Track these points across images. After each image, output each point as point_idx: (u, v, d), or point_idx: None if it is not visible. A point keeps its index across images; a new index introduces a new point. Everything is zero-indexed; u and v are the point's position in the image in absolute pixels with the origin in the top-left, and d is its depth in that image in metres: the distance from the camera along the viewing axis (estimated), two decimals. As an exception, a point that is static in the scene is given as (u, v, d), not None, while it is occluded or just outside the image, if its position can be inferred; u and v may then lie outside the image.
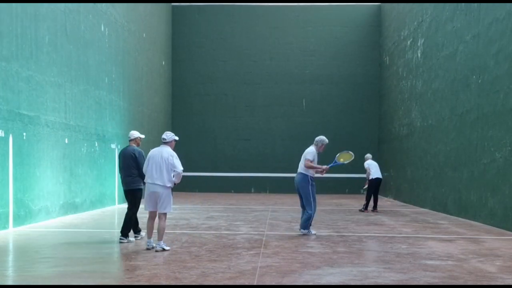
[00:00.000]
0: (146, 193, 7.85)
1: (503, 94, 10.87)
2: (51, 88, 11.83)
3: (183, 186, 23.74)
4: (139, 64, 18.81)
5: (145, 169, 7.93)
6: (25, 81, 10.67)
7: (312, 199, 9.59)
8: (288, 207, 15.71)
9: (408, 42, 18.42)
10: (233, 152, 23.89)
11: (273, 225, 11.17)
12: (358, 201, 17.85)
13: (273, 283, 5.75)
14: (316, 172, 9.78)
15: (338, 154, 10.42)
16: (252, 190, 23.53)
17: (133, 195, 8.64)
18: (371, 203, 14.72)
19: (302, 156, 9.79)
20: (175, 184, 7.93)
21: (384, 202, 18.58)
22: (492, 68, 11.43)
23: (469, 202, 12.48)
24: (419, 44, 17.15)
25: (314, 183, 9.74)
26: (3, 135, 9.75)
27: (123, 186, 8.77)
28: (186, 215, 13.05)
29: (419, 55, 17.16)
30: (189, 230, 10.14)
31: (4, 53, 9.88)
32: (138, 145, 8.89)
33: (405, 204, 17.90)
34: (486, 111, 11.67)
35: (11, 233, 9.51)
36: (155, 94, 21.20)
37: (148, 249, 7.73)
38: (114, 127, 16.03)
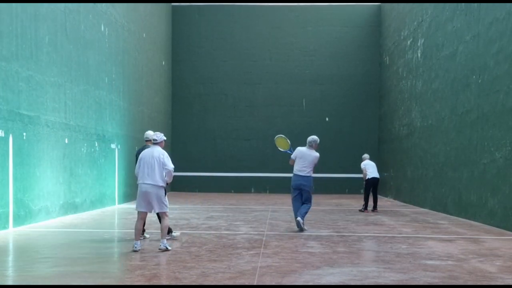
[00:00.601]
0: (138, 193, 7.94)
1: (503, 94, 10.87)
2: (51, 88, 11.83)
3: (183, 186, 23.93)
4: (139, 64, 18.82)
5: (136, 170, 8.05)
6: (25, 81, 10.67)
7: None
8: (288, 207, 15.70)
9: (408, 42, 18.42)
10: (233, 152, 23.89)
11: (273, 225, 11.17)
12: (358, 201, 17.85)
13: (273, 283, 5.75)
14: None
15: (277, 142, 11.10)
16: (252, 190, 23.54)
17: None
18: (371, 203, 14.72)
19: (309, 161, 10.10)
20: (167, 183, 7.98)
21: (384, 202, 18.58)
22: (492, 68, 11.43)
23: (469, 202, 12.48)
24: (419, 44, 17.15)
25: None
26: (3, 135, 9.75)
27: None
28: (186, 215, 13.05)
29: (419, 55, 17.16)
30: (189, 230, 10.14)
31: (4, 53, 9.88)
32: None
33: (405, 204, 17.90)
34: (486, 111, 11.67)
35: (11, 233, 9.51)
36: (155, 94, 21.21)
37: (134, 251, 7.62)
38: (114, 127, 16.03)
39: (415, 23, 17.57)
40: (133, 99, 18.02)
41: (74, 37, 13.18)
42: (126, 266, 6.78)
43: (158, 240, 8.76)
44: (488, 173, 11.48)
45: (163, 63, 22.50)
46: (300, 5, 23.92)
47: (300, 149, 10.33)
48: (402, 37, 19.40)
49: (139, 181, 7.89)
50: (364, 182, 14.92)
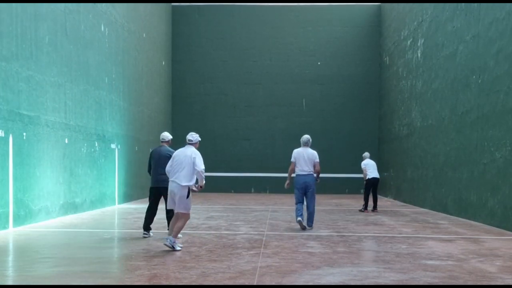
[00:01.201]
0: (169, 191, 8.03)
1: (503, 94, 10.87)
2: (51, 88, 11.83)
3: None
4: (139, 64, 18.82)
5: (167, 169, 8.02)
6: (25, 81, 10.68)
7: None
8: (288, 207, 15.71)
9: (408, 42, 18.42)
10: (233, 152, 23.89)
11: (273, 225, 11.17)
12: (358, 201, 17.86)
13: (273, 283, 5.74)
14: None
15: None
16: (252, 190, 23.53)
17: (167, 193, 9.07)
18: (370, 202, 14.72)
19: (310, 159, 10.40)
20: (201, 187, 7.95)
21: (384, 202, 18.59)
22: (492, 68, 11.43)
23: (469, 202, 12.48)
24: (419, 44, 17.15)
25: None
26: (3, 135, 9.75)
27: (156, 183, 9.21)
28: (186, 215, 13.04)
29: (419, 55, 17.16)
30: (189, 230, 10.14)
31: (4, 53, 9.88)
32: (170, 146, 9.50)
33: (405, 204, 17.91)
34: (486, 111, 11.67)
35: (11, 233, 9.51)
36: (155, 94, 21.21)
37: (165, 244, 7.74)
38: (114, 127, 16.03)
39: (415, 23, 17.57)
40: (133, 99, 18.03)
41: (74, 37, 13.18)
42: (126, 266, 6.78)
43: (159, 241, 8.76)
44: (488, 173, 11.48)
45: (163, 63, 22.50)
46: (300, 5, 23.92)
47: (296, 151, 10.61)
48: (402, 37, 19.40)
49: (170, 178, 7.95)
50: (364, 182, 14.90)
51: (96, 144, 14.56)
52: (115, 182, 16.00)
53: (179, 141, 24.01)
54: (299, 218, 10.26)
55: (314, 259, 7.20)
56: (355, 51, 23.71)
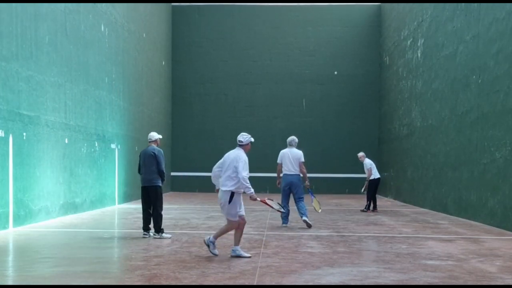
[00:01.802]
0: None
1: (503, 94, 10.87)
2: (51, 88, 11.83)
3: (183, 186, 23.92)
4: (139, 64, 18.82)
5: (215, 173, 7.49)
6: (25, 81, 10.67)
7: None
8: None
9: (408, 42, 18.42)
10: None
11: (273, 225, 11.17)
12: (358, 201, 17.86)
13: (273, 283, 5.74)
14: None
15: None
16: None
17: (156, 192, 9.17)
18: (370, 202, 14.69)
19: (295, 159, 10.82)
20: (251, 197, 7.43)
21: (384, 202, 18.58)
22: (492, 68, 11.43)
23: (469, 202, 12.48)
24: (419, 44, 17.15)
25: None
26: (3, 135, 9.75)
27: (143, 183, 9.28)
28: (186, 215, 13.05)
29: (419, 55, 17.16)
30: (189, 230, 10.14)
31: (4, 53, 9.88)
32: (158, 145, 9.53)
33: (405, 204, 17.90)
34: (486, 111, 11.67)
35: (11, 233, 9.51)
36: (155, 94, 21.21)
37: (232, 256, 7.21)
38: (114, 127, 16.03)
39: (415, 23, 17.56)
40: (133, 99, 18.03)
41: (74, 37, 13.18)
42: (126, 266, 6.78)
43: (159, 241, 8.77)
44: (488, 173, 11.48)
45: (163, 63, 22.50)
46: (300, 5, 23.92)
47: (281, 151, 11.03)
48: (402, 37, 19.40)
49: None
50: (367, 182, 14.75)
51: (96, 144, 14.56)
52: (115, 182, 16.00)
53: (179, 141, 24.10)
54: (283, 224, 10.79)
55: (314, 259, 7.20)
56: (355, 51, 23.71)
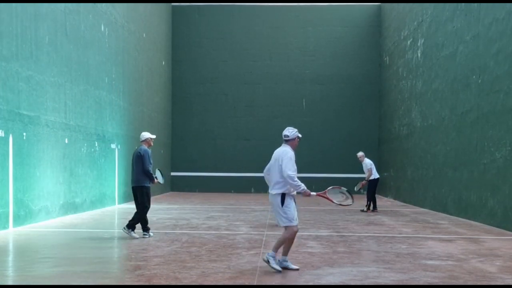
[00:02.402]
0: None
1: (503, 94, 10.87)
2: (51, 88, 11.82)
3: (183, 186, 23.93)
4: (139, 64, 18.82)
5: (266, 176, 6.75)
6: (25, 81, 10.67)
7: None
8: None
9: (408, 42, 18.42)
10: (233, 152, 23.88)
11: (273, 225, 11.16)
12: (357, 201, 17.82)
13: (273, 283, 5.75)
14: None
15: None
16: (252, 190, 23.52)
17: (141, 192, 9.21)
18: (371, 202, 14.67)
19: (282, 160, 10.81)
20: (297, 193, 6.53)
21: (384, 202, 18.58)
22: (492, 68, 11.43)
23: (469, 202, 12.47)
24: (419, 44, 17.15)
25: None
26: (3, 135, 9.75)
27: (131, 183, 9.40)
28: (186, 215, 13.05)
29: (419, 55, 17.16)
30: (189, 230, 10.14)
31: (4, 53, 9.87)
32: (149, 145, 9.47)
33: (405, 204, 17.90)
34: (486, 111, 11.67)
35: (11, 233, 9.50)
36: (155, 94, 21.21)
37: (279, 269, 6.35)
38: (114, 127, 16.03)
39: (415, 23, 17.56)
40: (133, 99, 18.02)
41: (74, 37, 13.17)
42: (126, 266, 6.78)
43: (159, 241, 8.77)
44: (488, 173, 11.48)
45: (163, 63, 22.50)
46: (300, 5, 23.92)
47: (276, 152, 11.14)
48: (402, 37, 19.40)
49: None
50: (365, 182, 14.74)
51: (96, 144, 14.55)
52: (115, 182, 16.00)
53: (179, 141, 24.09)
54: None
55: (314, 259, 7.20)
56: (355, 51, 23.71)
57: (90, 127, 14.12)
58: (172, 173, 23.83)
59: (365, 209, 14.60)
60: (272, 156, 6.59)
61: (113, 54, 16.00)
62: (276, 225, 10.73)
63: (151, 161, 9.23)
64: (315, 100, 23.77)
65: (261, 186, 23.55)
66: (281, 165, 6.32)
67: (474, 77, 12.43)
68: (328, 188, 6.92)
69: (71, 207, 12.81)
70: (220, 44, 23.94)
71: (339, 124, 23.55)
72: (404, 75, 18.99)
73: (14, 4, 10.26)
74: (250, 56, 23.89)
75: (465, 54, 13.05)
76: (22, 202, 10.41)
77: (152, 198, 20.44)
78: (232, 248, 8.03)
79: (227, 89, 23.94)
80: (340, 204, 7.11)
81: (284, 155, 6.39)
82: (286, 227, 6.41)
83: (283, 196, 6.33)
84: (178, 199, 19.02)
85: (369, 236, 9.67)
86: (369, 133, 23.41)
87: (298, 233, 9.81)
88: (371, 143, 23.00)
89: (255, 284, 5.69)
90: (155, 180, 9.27)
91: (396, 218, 12.96)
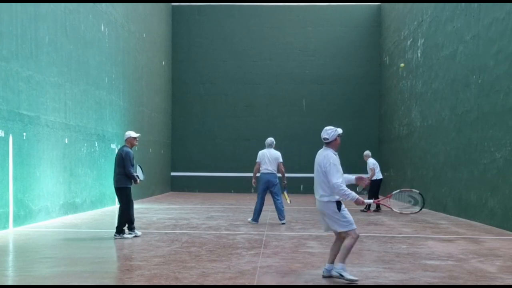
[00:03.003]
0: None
1: (503, 94, 10.87)
2: (51, 88, 11.83)
3: (183, 186, 23.93)
4: (139, 64, 18.81)
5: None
6: (25, 81, 10.68)
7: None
8: (287, 207, 15.69)
9: (408, 42, 18.42)
10: (233, 152, 23.88)
11: (273, 225, 11.17)
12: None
13: (273, 283, 5.75)
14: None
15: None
16: (252, 190, 23.46)
17: (121, 193, 9.28)
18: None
19: (273, 159, 11.45)
20: (339, 201, 6.01)
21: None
22: (492, 68, 11.43)
23: (469, 202, 12.48)
24: (419, 44, 17.15)
25: None
26: (3, 135, 9.75)
27: (113, 184, 9.45)
28: (186, 215, 13.06)
29: (419, 55, 17.16)
30: (189, 230, 10.14)
31: (4, 53, 9.88)
32: (132, 145, 9.54)
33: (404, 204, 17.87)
34: (486, 111, 11.67)
35: (11, 233, 9.51)
36: (155, 94, 21.20)
37: (324, 276, 6.07)
38: (114, 127, 16.03)
39: (415, 23, 17.56)
40: (133, 99, 18.02)
41: (74, 37, 13.18)
42: (126, 266, 6.78)
43: (159, 241, 8.77)
44: (488, 173, 11.48)
45: (163, 63, 22.50)
46: (300, 5, 23.91)
47: (261, 152, 11.64)
48: (402, 37, 19.40)
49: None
50: (369, 182, 14.64)
51: (96, 144, 14.55)
52: (115, 182, 15.99)
53: (179, 141, 24.09)
54: (252, 221, 11.34)
55: (314, 259, 7.20)
56: (355, 51, 23.70)
57: (90, 127, 14.12)
58: (172, 173, 23.84)
59: (365, 209, 14.58)
60: (315, 161, 6.13)
61: (113, 54, 16.00)
62: (253, 222, 11.13)
63: (133, 163, 9.24)
64: (315, 100, 23.77)
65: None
66: (326, 173, 5.89)
67: (474, 77, 12.43)
68: (394, 192, 6.43)
69: (71, 207, 12.82)
70: (220, 44, 23.94)
71: (339, 124, 23.03)
72: (404, 75, 18.99)
73: (14, 4, 10.26)
74: (250, 56, 23.88)
75: (465, 54, 13.05)
76: (22, 202, 10.42)
77: (152, 198, 20.52)
78: (232, 248, 8.03)
79: (227, 89, 23.94)
80: (401, 213, 6.42)
81: (326, 161, 5.91)
82: (347, 232, 5.93)
83: (338, 203, 5.96)
84: (178, 199, 19.02)
85: (369, 236, 9.67)
86: (369, 133, 23.41)
87: (298, 233, 9.86)
88: (371, 143, 22.97)
89: (255, 284, 5.69)
90: (138, 180, 9.27)
91: (396, 218, 12.96)
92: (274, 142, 11.74)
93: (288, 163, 24.20)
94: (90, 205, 13.98)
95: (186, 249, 7.88)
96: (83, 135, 13.66)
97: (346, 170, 21.81)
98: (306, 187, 23.09)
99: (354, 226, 6.00)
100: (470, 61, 12.72)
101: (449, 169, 13.95)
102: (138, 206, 15.50)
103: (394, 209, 6.17)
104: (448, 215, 13.52)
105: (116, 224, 9.31)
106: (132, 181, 9.23)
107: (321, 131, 6.24)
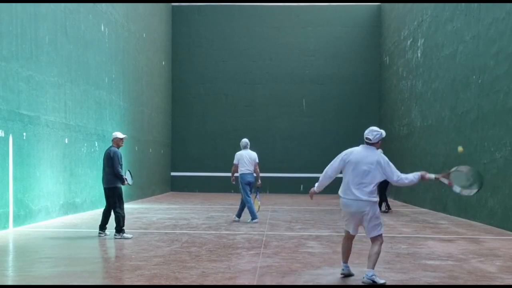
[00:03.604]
0: (346, 212, 5.90)
1: (503, 94, 10.87)
2: (51, 88, 11.83)
3: (183, 186, 23.93)
4: (139, 64, 18.81)
5: (331, 175, 6.01)
6: (25, 81, 10.67)
7: None
8: (288, 207, 15.72)
9: (408, 42, 18.42)
10: (233, 152, 23.77)
11: (273, 225, 11.17)
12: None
13: (273, 283, 5.74)
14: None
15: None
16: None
17: (112, 193, 9.21)
18: (387, 201, 14.41)
19: (252, 159, 11.78)
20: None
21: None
22: (492, 68, 11.43)
23: (469, 202, 12.47)
24: (419, 44, 17.15)
25: None
26: (3, 135, 9.75)
27: (102, 184, 9.36)
28: (186, 215, 13.06)
29: (419, 55, 17.16)
30: (189, 230, 10.14)
31: (4, 53, 9.88)
32: (118, 146, 9.44)
33: (405, 204, 17.90)
34: (486, 111, 11.67)
35: (11, 233, 9.51)
36: (155, 94, 21.20)
37: (344, 275, 6.06)
38: (114, 127, 16.03)
39: (415, 23, 17.56)
40: (133, 99, 18.02)
41: (74, 37, 13.18)
42: (126, 266, 6.78)
43: (159, 241, 8.77)
44: (488, 173, 11.47)
45: (163, 63, 22.50)
46: (300, 5, 23.91)
47: (239, 153, 12.01)
48: (402, 37, 19.40)
49: (341, 194, 5.91)
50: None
51: (96, 144, 14.55)
52: (115, 182, 15.99)
53: (179, 141, 24.09)
54: (252, 220, 11.45)
55: (314, 259, 7.20)
56: (355, 51, 23.70)
57: (90, 127, 14.12)
58: (172, 173, 23.84)
59: (386, 209, 14.37)
60: (355, 159, 5.84)
61: (113, 54, 16.00)
62: (237, 220, 11.46)
63: (121, 162, 9.24)
64: (315, 100, 23.76)
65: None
66: (389, 173, 5.77)
67: (474, 77, 12.43)
68: (452, 169, 6.14)
69: (71, 207, 12.82)
70: (220, 44, 23.94)
71: (339, 124, 23.53)
72: (404, 75, 18.99)
73: (14, 4, 10.26)
74: (250, 56, 23.88)
75: (465, 54, 13.05)
76: (22, 202, 10.42)
77: (152, 198, 20.52)
78: (232, 248, 8.03)
79: (227, 89, 23.93)
80: (461, 193, 6.09)
81: (383, 160, 5.80)
82: (380, 236, 5.85)
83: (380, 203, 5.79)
84: (178, 199, 19.02)
85: (369, 236, 9.66)
86: (369, 133, 23.37)
87: (298, 233, 9.87)
88: (371, 143, 22.95)
89: (255, 284, 5.69)
90: (125, 181, 9.29)
91: (396, 218, 12.96)
92: (249, 143, 12.18)
93: (288, 163, 24.41)
94: (90, 205, 13.98)
95: (186, 249, 7.88)
96: (83, 135, 13.66)
97: (346, 170, 21.21)
98: (306, 187, 23.08)
99: (383, 229, 6.00)
100: (470, 61, 12.72)
101: (449, 169, 13.92)
102: (138, 206, 15.51)
103: (455, 189, 5.90)
104: (448, 215, 13.52)
105: (114, 225, 9.29)
106: (120, 181, 9.22)
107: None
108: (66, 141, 12.60)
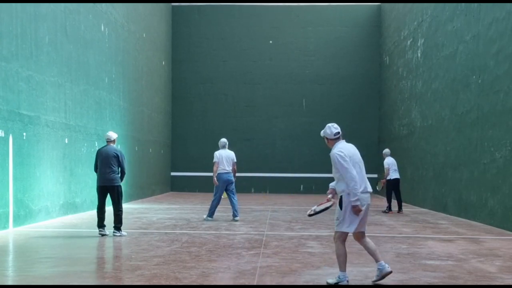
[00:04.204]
0: (362, 208, 5.74)
1: (503, 94, 10.87)
2: (51, 88, 11.82)
3: (183, 186, 23.93)
4: (139, 64, 18.81)
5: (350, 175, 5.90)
6: (25, 81, 10.67)
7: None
8: (288, 207, 15.72)
9: (408, 42, 18.42)
10: (233, 152, 23.84)
11: (273, 225, 11.17)
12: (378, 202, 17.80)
13: (273, 283, 5.74)
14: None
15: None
16: (252, 190, 23.51)
17: (117, 191, 9.47)
18: (390, 203, 14.39)
19: (230, 159, 12.04)
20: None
21: (384, 202, 18.56)
22: (492, 68, 11.43)
23: (469, 202, 12.48)
24: (419, 44, 17.15)
25: None
26: (3, 135, 9.75)
27: (103, 183, 9.47)
28: (186, 215, 13.06)
29: (419, 55, 17.16)
30: (189, 230, 10.14)
31: (4, 53, 9.87)
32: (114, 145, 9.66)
33: (405, 204, 17.86)
34: (486, 111, 11.67)
35: (11, 233, 9.51)
36: (155, 94, 21.20)
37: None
38: (114, 127, 16.01)
39: (415, 23, 17.56)
40: (133, 99, 18.02)
41: (74, 37, 13.17)
42: (126, 266, 6.77)
43: (159, 241, 8.77)
44: (488, 173, 11.48)
45: (163, 63, 22.49)
46: (300, 5, 23.92)
47: (218, 152, 12.15)
48: (402, 37, 19.40)
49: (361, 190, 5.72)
50: (382, 181, 14.60)
51: (96, 144, 14.53)
52: (115, 182, 15.99)
53: (179, 141, 24.09)
54: (208, 217, 11.78)
55: (314, 259, 7.20)
56: (355, 51, 23.71)
57: (90, 127, 14.12)
58: (172, 173, 23.84)
59: (386, 210, 14.35)
60: (352, 154, 6.07)
61: (113, 54, 16.00)
62: (209, 219, 11.61)
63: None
64: (315, 100, 23.77)
65: (261, 186, 23.65)
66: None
67: (474, 77, 12.43)
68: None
69: (71, 207, 12.81)
70: (220, 44, 23.94)
71: (339, 124, 23.18)
72: (404, 75, 18.99)
73: (14, 4, 10.26)
74: (250, 56, 23.89)
75: (465, 54, 13.05)
76: (22, 202, 10.41)
77: (152, 198, 20.55)
78: (232, 248, 8.03)
79: (227, 89, 23.94)
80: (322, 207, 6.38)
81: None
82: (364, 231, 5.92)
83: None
84: (178, 199, 19.02)
85: (369, 236, 9.61)
86: (369, 133, 23.40)
87: (298, 233, 9.87)
88: (371, 143, 22.99)
89: (255, 284, 5.69)
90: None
91: (396, 218, 12.96)
92: (227, 143, 12.41)
93: (288, 163, 24.40)
94: (90, 205, 13.97)
95: (186, 249, 7.88)
96: (83, 135, 13.65)
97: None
98: (306, 187, 23.11)
99: None
100: (470, 61, 12.72)
101: (449, 169, 13.95)
102: (138, 206, 15.50)
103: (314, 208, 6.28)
104: (448, 215, 13.52)
105: (113, 223, 9.36)
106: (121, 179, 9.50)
107: (321, 131, 6.33)
108: (66, 141, 12.60)
